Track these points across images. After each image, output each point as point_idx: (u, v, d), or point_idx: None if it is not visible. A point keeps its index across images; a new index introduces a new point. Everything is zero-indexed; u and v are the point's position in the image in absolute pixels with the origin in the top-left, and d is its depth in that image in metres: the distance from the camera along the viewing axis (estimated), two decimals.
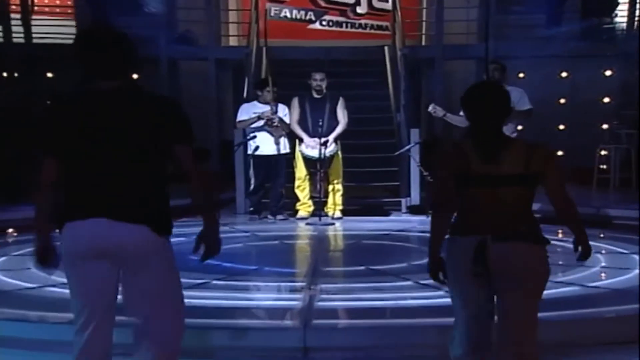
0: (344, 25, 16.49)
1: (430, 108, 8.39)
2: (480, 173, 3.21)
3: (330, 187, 9.65)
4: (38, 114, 3.32)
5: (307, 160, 9.51)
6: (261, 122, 9.31)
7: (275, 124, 9.30)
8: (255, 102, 9.66)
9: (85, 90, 3.12)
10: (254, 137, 9.34)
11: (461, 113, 8.17)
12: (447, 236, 3.32)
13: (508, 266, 3.17)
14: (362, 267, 6.25)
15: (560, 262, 6.21)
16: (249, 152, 9.51)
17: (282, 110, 9.52)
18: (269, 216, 9.59)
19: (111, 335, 3.10)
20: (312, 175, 9.55)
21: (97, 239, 2.95)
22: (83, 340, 3.04)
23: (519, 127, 14.47)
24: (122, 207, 2.98)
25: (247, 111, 9.55)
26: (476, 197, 3.22)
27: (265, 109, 9.37)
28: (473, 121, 3.32)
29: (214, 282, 5.66)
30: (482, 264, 3.16)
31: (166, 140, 3.07)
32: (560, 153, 15.22)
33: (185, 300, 3.35)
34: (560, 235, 7.79)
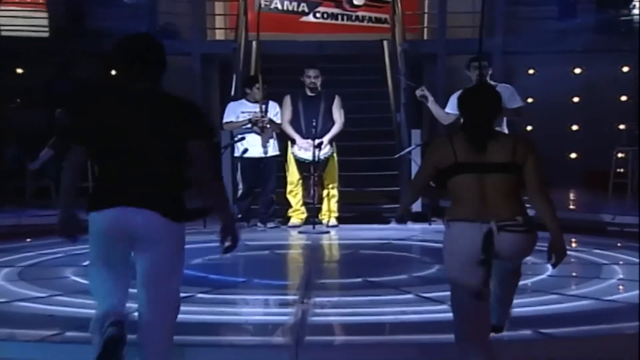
0: (339, 17, 16.52)
1: (418, 91, 8.47)
2: (470, 162, 3.90)
3: (325, 192, 9.66)
4: (71, 106, 4.03)
5: (300, 163, 9.51)
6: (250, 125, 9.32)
7: (265, 124, 9.30)
8: (243, 101, 9.67)
9: (119, 89, 3.78)
10: (242, 138, 9.34)
11: (447, 110, 8.28)
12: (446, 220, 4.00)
13: (510, 254, 3.91)
14: (359, 279, 6.25)
15: (574, 274, 6.21)
16: (237, 154, 9.50)
17: (273, 109, 9.52)
18: (259, 224, 9.58)
19: (126, 298, 3.69)
20: (305, 180, 9.55)
21: (119, 224, 3.62)
22: (105, 304, 3.62)
23: (529, 128, 14.49)
24: (142, 196, 3.62)
25: (234, 111, 9.55)
26: (466, 184, 3.90)
27: (254, 108, 9.37)
28: (468, 118, 4.04)
29: (199, 295, 5.64)
30: (490, 253, 3.79)
31: (183, 136, 3.66)
32: (573, 155, 15.32)
33: None
34: (573, 245, 7.80)
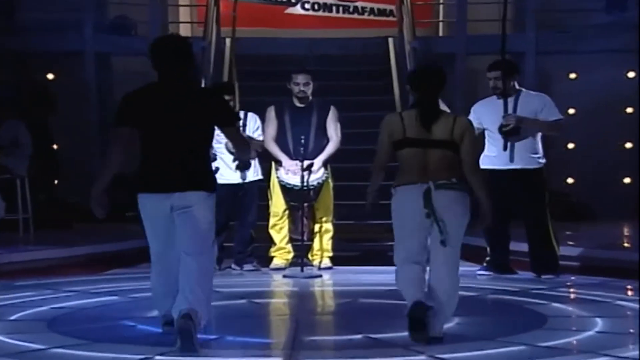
0: (334, 9, 16.61)
1: None
2: (416, 137, 5.75)
3: (317, 226, 9.64)
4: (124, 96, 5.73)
5: (287, 190, 9.50)
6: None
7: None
8: None
9: (158, 82, 5.71)
10: (214, 159, 9.33)
11: None
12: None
13: (447, 208, 5.65)
14: (359, 336, 6.21)
15: (631, 330, 6.19)
16: None
17: (253, 123, 9.52)
18: (234, 266, 9.56)
19: (177, 264, 5.60)
20: (292, 211, 9.54)
21: (164, 206, 5.58)
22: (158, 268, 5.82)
23: (570, 146, 14.52)
24: (182, 178, 5.55)
25: None
26: (411, 155, 5.75)
27: None
28: (416, 98, 5.86)
29: (158, 358, 5.59)
30: (431, 206, 5.63)
31: (217, 124, 5.74)
32: (627, 180, 15.33)
33: None
34: (629, 293, 7.79)
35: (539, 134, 8.69)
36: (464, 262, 10.25)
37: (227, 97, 9.43)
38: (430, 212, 5.60)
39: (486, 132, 8.76)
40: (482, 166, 8.67)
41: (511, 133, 8.54)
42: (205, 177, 5.69)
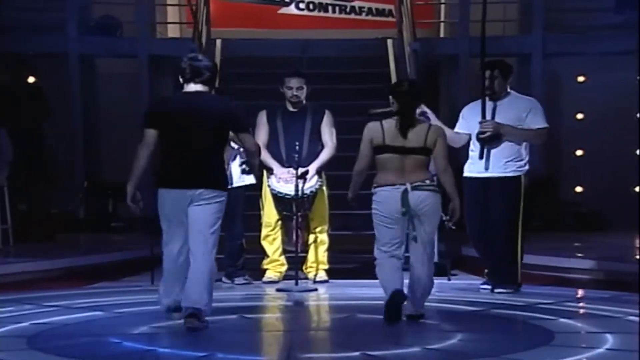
0: (330, 9, 16.62)
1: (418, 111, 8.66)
2: (394, 145, 6.90)
3: (312, 237, 9.64)
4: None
5: (279, 199, 9.49)
6: None
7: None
8: None
9: (181, 91, 6.87)
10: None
11: (457, 129, 8.64)
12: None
13: (421, 206, 6.86)
14: (357, 353, 6.20)
15: None
16: None
17: None
18: (224, 279, 9.54)
19: (186, 245, 6.71)
20: (285, 221, 9.53)
21: (179, 201, 6.64)
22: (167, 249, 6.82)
23: (578, 152, 14.51)
24: (198, 177, 6.64)
25: None
26: (390, 160, 6.92)
27: None
28: (396, 109, 7.01)
29: None
30: (407, 205, 6.81)
31: (232, 131, 6.87)
32: (638, 189, 15.33)
33: None
34: None
35: (521, 141, 8.63)
36: (468, 275, 10.32)
37: None
38: (407, 210, 6.82)
39: (472, 137, 8.73)
40: (464, 174, 8.70)
41: (489, 140, 8.52)
42: (219, 177, 6.78)
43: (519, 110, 8.63)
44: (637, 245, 12.99)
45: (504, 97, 8.66)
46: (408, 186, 6.84)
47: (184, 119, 6.68)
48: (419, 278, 6.97)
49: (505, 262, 8.57)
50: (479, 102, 8.69)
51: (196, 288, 6.56)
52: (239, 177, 9.40)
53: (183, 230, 6.75)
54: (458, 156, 8.82)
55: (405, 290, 6.93)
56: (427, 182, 6.89)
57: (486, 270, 8.93)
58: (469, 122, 8.71)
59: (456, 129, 8.65)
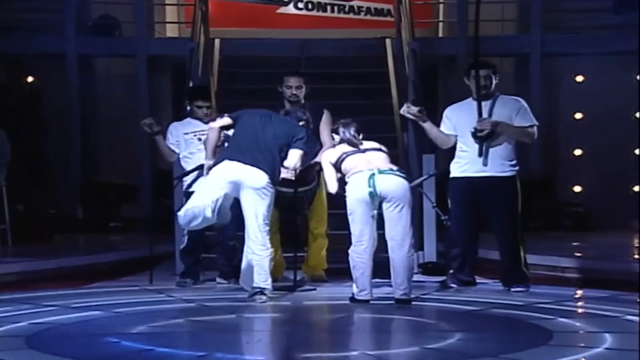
0: (328, 8, 16.62)
1: (403, 108, 8.82)
2: (353, 151, 7.96)
3: (310, 237, 9.62)
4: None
5: (278, 197, 9.44)
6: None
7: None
8: (189, 119, 9.59)
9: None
10: (201, 166, 9.30)
11: (442, 128, 8.68)
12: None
13: (389, 189, 7.62)
14: (355, 352, 6.19)
15: None
16: (184, 188, 9.41)
17: None
18: (219, 279, 9.50)
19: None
20: (282, 221, 9.51)
21: (233, 172, 7.95)
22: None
23: (577, 152, 14.50)
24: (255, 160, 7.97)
25: (176, 133, 9.44)
26: (355, 160, 7.88)
27: (204, 128, 9.19)
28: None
29: None
30: (374, 187, 7.56)
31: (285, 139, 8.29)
32: (637, 188, 15.33)
33: None
34: None
35: (514, 140, 8.70)
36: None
37: (200, 104, 9.45)
38: (373, 192, 7.53)
39: (458, 138, 8.74)
40: (453, 174, 8.73)
41: (486, 138, 8.54)
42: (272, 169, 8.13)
43: (510, 110, 8.68)
44: (637, 245, 12.99)
45: (493, 97, 8.71)
46: (375, 170, 7.65)
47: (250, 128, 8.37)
48: (399, 266, 7.68)
49: (517, 261, 8.64)
50: (464, 103, 8.80)
51: (256, 270, 8.20)
52: None
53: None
54: None
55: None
56: (393, 167, 7.80)
57: (451, 271, 8.95)
58: (456, 122, 8.74)
59: (442, 127, 8.70)
